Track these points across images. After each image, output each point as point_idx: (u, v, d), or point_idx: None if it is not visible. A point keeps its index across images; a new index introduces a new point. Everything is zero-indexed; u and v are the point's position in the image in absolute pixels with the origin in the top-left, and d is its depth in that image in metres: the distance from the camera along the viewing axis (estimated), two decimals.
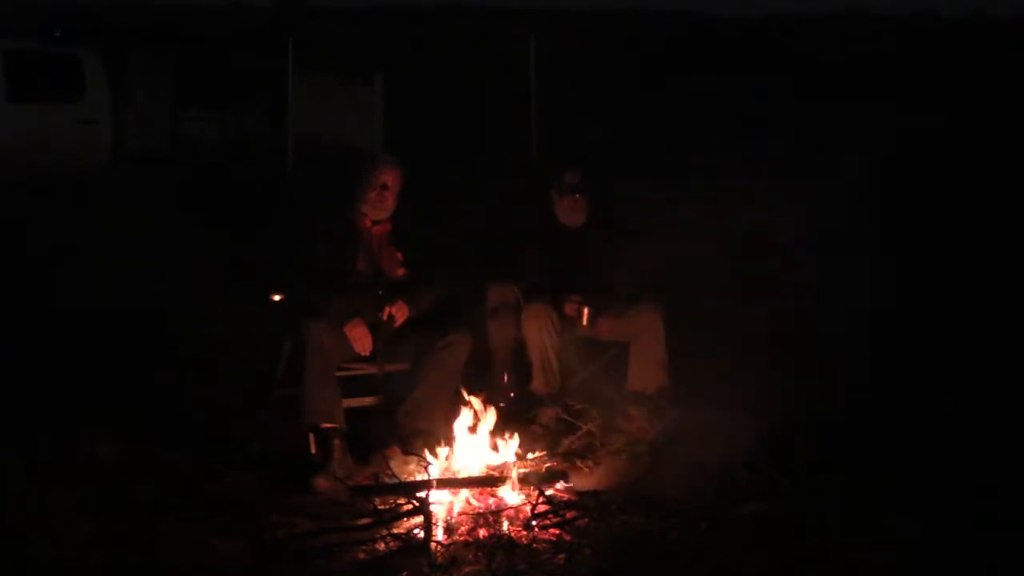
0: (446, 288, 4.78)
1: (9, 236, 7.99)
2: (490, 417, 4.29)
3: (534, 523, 3.85)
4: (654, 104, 16.02)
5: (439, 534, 3.75)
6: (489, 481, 4.09)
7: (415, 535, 3.74)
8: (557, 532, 3.80)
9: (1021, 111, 15.22)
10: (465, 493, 4.04)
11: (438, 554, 3.61)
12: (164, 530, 3.65)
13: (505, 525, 3.85)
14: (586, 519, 3.88)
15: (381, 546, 3.68)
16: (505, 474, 4.10)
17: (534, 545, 3.70)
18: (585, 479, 4.29)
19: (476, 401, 4.29)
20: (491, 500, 4.03)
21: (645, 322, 4.87)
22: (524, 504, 3.96)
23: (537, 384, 4.87)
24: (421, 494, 3.90)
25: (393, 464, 4.25)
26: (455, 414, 4.32)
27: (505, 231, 5.24)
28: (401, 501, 3.94)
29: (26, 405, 4.77)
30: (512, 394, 4.91)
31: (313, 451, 4.32)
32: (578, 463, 4.44)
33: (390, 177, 4.72)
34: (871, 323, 6.50)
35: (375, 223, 4.75)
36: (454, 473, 4.14)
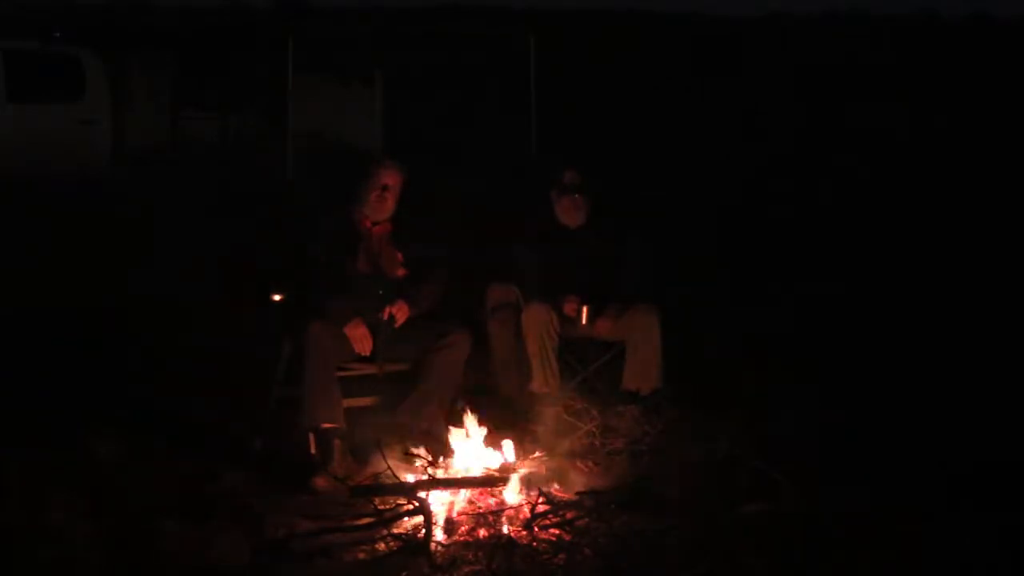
0: (446, 287, 4.78)
1: (9, 236, 7.99)
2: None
3: (534, 523, 3.85)
4: (654, 104, 16.03)
5: (439, 534, 3.75)
6: (489, 481, 4.09)
7: (415, 535, 3.74)
8: (557, 532, 3.80)
9: (1021, 111, 15.22)
10: (465, 493, 4.04)
11: (438, 554, 3.61)
12: (164, 530, 3.65)
13: (505, 525, 3.85)
14: (586, 519, 3.88)
15: (381, 546, 3.68)
16: (505, 474, 4.10)
17: (534, 545, 3.70)
18: (585, 479, 4.28)
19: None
20: (491, 500, 4.03)
21: (641, 322, 4.87)
22: (524, 504, 3.96)
23: (537, 384, 4.87)
24: (421, 494, 3.90)
25: (393, 464, 4.25)
26: (455, 415, 4.31)
27: (504, 231, 5.23)
28: (401, 501, 3.93)
29: (26, 405, 4.77)
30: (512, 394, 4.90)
31: (313, 451, 4.32)
32: (578, 463, 4.44)
33: (390, 178, 4.73)
34: (870, 323, 6.52)
35: (375, 223, 4.75)
36: (454, 473, 4.14)
